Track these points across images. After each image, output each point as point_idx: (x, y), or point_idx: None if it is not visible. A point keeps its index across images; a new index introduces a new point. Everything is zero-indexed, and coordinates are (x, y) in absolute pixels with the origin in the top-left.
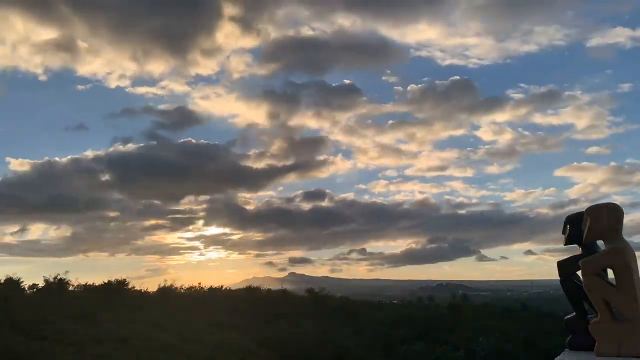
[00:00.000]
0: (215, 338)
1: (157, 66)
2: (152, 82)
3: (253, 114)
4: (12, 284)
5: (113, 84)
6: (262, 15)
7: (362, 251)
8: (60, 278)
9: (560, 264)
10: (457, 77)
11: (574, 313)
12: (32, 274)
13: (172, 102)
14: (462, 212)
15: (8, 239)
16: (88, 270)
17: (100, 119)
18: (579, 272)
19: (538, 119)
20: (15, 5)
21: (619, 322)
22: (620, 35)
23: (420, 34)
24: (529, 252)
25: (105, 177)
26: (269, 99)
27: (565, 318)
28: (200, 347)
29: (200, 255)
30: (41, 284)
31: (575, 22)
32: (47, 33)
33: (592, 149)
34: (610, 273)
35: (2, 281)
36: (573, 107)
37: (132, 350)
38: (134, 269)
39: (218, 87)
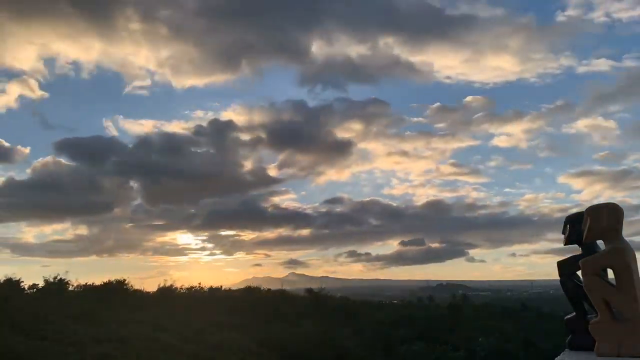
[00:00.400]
0: (215, 338)
1: (204, 80)
2: (196, 93)
3: (283, 123)
4: (12, 284)
5: (161, 94)
6: (305, 36)
7: (363, 252)
8: (60, 278)
9: (560, 264)
10: (476, 96)
11: (574, 313)
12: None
13: (210, 112)
14: (473, 215)
15: (26, 239)
16: (99, 271)
17: (139, 127)
18: (579, 272)
19: (551, 129)
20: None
21: (619, 322)
22: (604, 65)
23: (444, 58)
24: (513, 255)
25: (129, 181)
26: (300, 109)
27: (565, 318)
28: (200, 347)
29: (202, 255)
30: (41, 284)
31: (567, 53)
32: (108, 41)
33: (602, 155)
34: (610, 273)
35: (2, 281)
36: (583, 119)
37: (132, 350)
38: (144, 269)
39: (253, 98)
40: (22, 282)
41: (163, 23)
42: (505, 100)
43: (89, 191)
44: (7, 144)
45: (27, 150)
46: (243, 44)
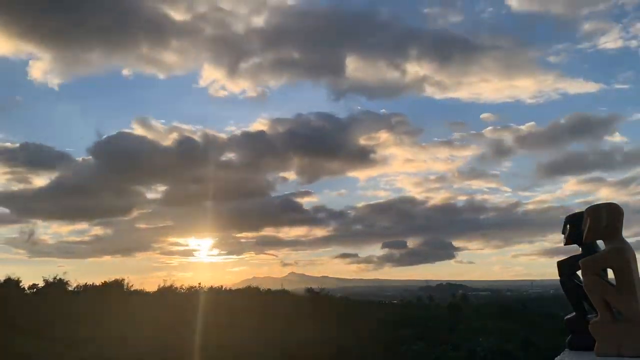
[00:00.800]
0: (217, 338)
1: (240, 91)
2: (231, 104)
3: (309, 131)
4: (12, 284)
5: (196, 102)
6: (339, 55)
7: (365, 252)
8: (60, 278)
9: (560, 264)
10: (489, 112)
11: (574, 313)
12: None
13: (242, 122)
14: (480, 216)
15: (44, 240)
16: (111, 271)
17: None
18: (579, 272)
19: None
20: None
21: (619, 322)
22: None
23: (464, 79)
24: (513, 255)
25: (154, 184)
26: (328, 120)
27: (565, 318)
28: (200, 347)
29: (209, 256)
30: (41, 284)
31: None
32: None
33: (612, 161)
34: (610, 273)
35: (2, 281)
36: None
37: (132, 350)
38: (152, 270)
39: (284, 110)
40: (22, 282)
41: (206, 39)
42: (517, 116)
43: (113, 193)
44: (56, 149)
45: (70, 154)
46: (281, 60)
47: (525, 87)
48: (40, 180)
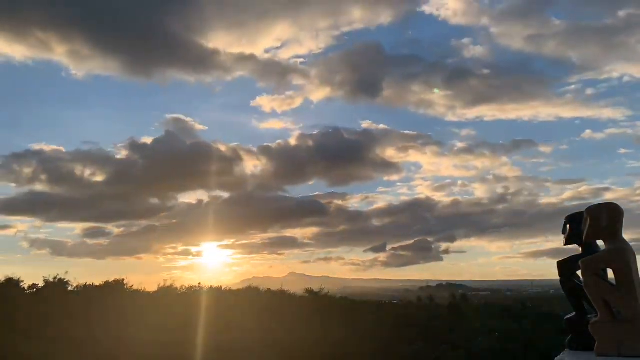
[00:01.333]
0: (216, 338)
1: (275, 103)
2: (266, 116)
3: (338, 142)
4: (12, 284)
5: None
6: (376, 80)
7: (366, 252)
8: (60, 278)
9: (560, 264)
10: (503, 128)
11: (574, 313)
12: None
13: (277, 132)
14: (485, 218)
15: (67, 240)
16: (122, 272)
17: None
18: (579, 272)
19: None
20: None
21: (619, 322)
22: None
23: (483, 102)
24: (514, 254)
25: (188, 187)
26: (356, 134)
27: (565, 318)
28: (200, 347)
29: (214, 256)
30: (41, 284)
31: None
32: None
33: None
34: (610, 273)
35: (2, 281)
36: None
37: (131, 350)
38: (158, 271)
39: (317, 123)
40: (22, 281)
41: (256, 67)
42: (533, 133)
43: (144, 195)
44: (109, 154)
45: (112, 161)
46: (322, 78)
47: (532, 108)
48: (79, 184)
